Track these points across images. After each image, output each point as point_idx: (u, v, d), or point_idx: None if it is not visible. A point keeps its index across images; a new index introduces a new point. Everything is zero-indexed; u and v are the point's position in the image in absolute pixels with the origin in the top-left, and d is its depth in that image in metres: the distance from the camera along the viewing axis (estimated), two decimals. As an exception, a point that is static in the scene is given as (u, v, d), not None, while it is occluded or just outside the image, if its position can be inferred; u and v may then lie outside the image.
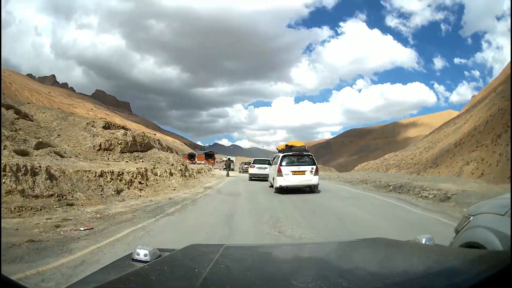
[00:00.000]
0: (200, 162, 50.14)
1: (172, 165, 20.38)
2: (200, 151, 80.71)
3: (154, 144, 27.63)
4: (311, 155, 14.33)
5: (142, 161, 20.76)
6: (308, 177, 13.23)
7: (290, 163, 13.54)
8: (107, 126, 25.74)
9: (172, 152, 32.34)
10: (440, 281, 1.20)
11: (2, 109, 19.69)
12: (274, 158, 16.98)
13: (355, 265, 1.62)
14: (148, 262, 1.50)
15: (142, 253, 1.54)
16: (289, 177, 13.14)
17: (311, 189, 13.61)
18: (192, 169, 24.28)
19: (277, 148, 17.23)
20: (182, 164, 22.07)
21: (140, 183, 14.08)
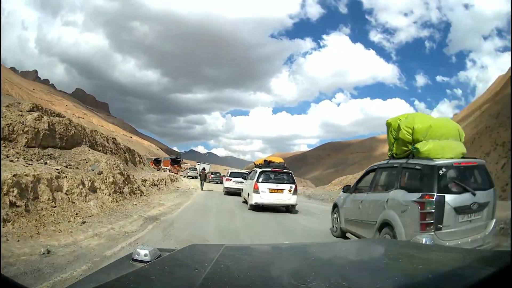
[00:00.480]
0: (166, 168, 48.83)
1: (100, 173, 12.18)
2: (167, 157, 77.74)
3: (85, 139, 10.86)
4: (291, 173, 13.77)
5: (59, 164, 11.86)
6: (286, 196, 12.68)
7: (267, 180, 12.92)
8: (35, 108, 15.62)
9: (116, 154, 20.76)
10: (440, 281, 1.21)
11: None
12: (250, 173, 16.31)
13: (355, 265, 1.63)
14: (148, 262, 1.49)
15: (142, 253, 1.53)
16: (265, 194, 12.51)
17: (287, 209, 13.01)
18: (144, 181, 17.85)
19: (254, 163, 16.29)
20: (122, 173, 13.95)
21: (14, 205, 7.18)
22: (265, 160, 14.99)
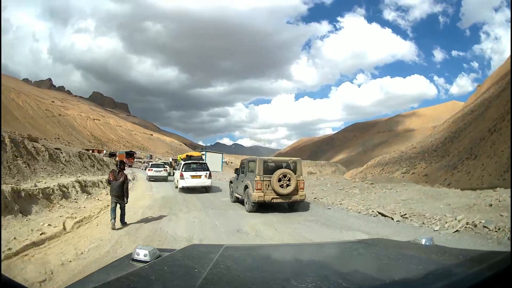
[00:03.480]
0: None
1: None
2: (122, 151, 71.82)
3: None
4: (205, 163, 18.26)
5: None
6: (203, 180, 16.55)
7: (189, 169, 16.74)
8: None
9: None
10: (440, 281, 1.20)
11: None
12: (177, 165, 21.87)
13: (355, 265, 1.62)
14: (148, 262, 1.50)
15: (142, 253, 1.53)
16: (189, 180, 16.35)
17: (206, 190, 16.82)
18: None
19: (179, 157, 23.53)
20: None
21: None
22: (187, 155, 21.69)
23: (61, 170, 16.49)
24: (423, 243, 1.89)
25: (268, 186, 10.09)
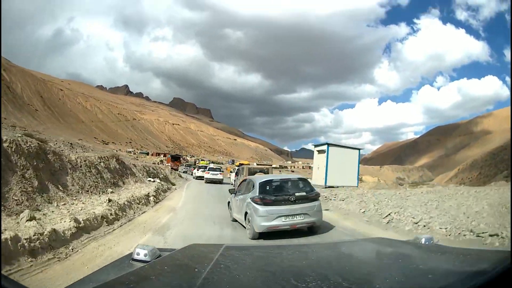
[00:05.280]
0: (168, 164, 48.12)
1: None
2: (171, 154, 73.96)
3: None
4: (220, 167, 34.11)
5: None
6: (218, 176, 28.24)
7: (209, 170, 30.03)
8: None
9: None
10: (440, 281, 1.20)
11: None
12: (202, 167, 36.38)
13: (355, 265, 1.62)
14: (148, 262, 1.51)
15: (142, 253, 1.54)
16: (209, 175, 28.36)
17: (220, 182, 27.60)
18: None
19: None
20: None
21: None
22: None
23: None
24: (423, 242, 1.89)
25: None
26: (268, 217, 7.36)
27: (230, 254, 1.70)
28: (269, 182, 8.21)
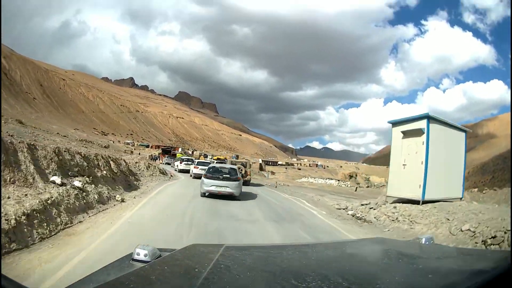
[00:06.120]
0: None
1: None
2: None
3: None
4: (209, 162, 27.65)
5: None
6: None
7: (199, 164, 26.72)
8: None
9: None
10: (440, 281, 1.21)
11: None
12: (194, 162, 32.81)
13: (355, 265, 1.61)
14: (148, 262, 1.51)
15: (142, 253, 1.55)
16: (197, 169, 24.30)
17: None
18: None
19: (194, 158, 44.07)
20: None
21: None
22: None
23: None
24: (423, 242, 1.89)
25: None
26: (207, 184, 12.63)
27: (230, 254, 1.70)
28: (212, 167, 13.65)
